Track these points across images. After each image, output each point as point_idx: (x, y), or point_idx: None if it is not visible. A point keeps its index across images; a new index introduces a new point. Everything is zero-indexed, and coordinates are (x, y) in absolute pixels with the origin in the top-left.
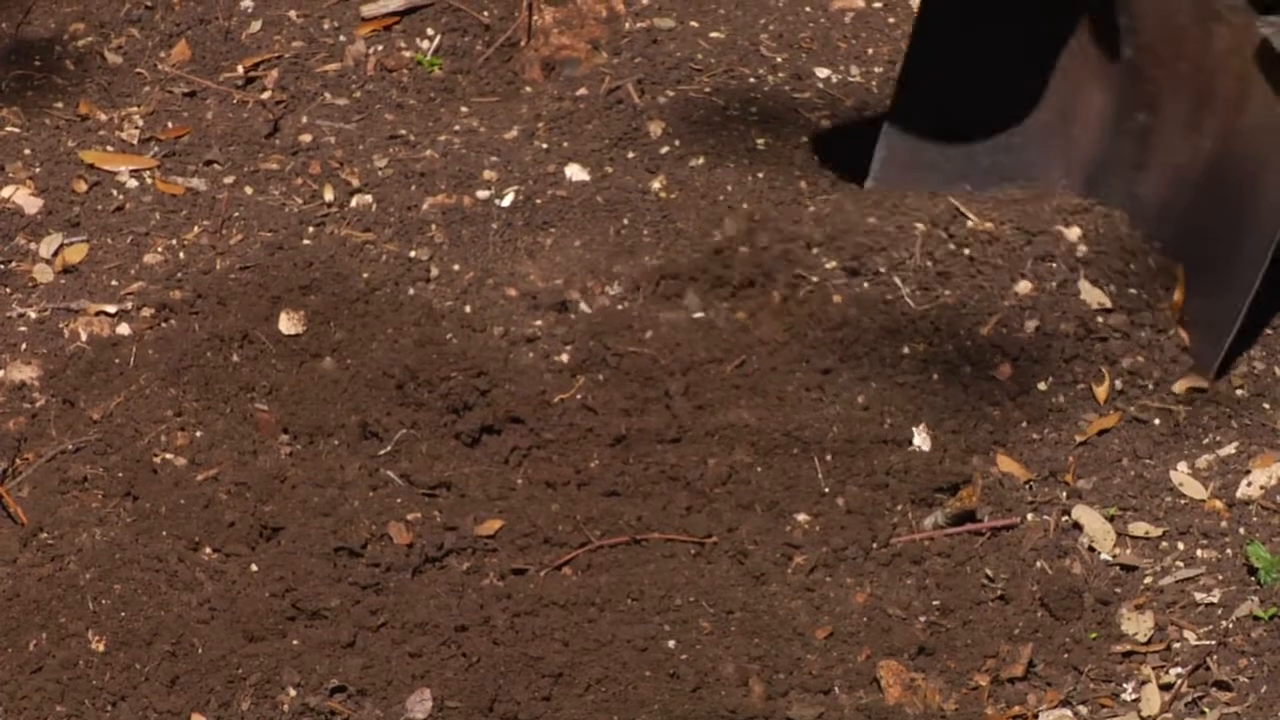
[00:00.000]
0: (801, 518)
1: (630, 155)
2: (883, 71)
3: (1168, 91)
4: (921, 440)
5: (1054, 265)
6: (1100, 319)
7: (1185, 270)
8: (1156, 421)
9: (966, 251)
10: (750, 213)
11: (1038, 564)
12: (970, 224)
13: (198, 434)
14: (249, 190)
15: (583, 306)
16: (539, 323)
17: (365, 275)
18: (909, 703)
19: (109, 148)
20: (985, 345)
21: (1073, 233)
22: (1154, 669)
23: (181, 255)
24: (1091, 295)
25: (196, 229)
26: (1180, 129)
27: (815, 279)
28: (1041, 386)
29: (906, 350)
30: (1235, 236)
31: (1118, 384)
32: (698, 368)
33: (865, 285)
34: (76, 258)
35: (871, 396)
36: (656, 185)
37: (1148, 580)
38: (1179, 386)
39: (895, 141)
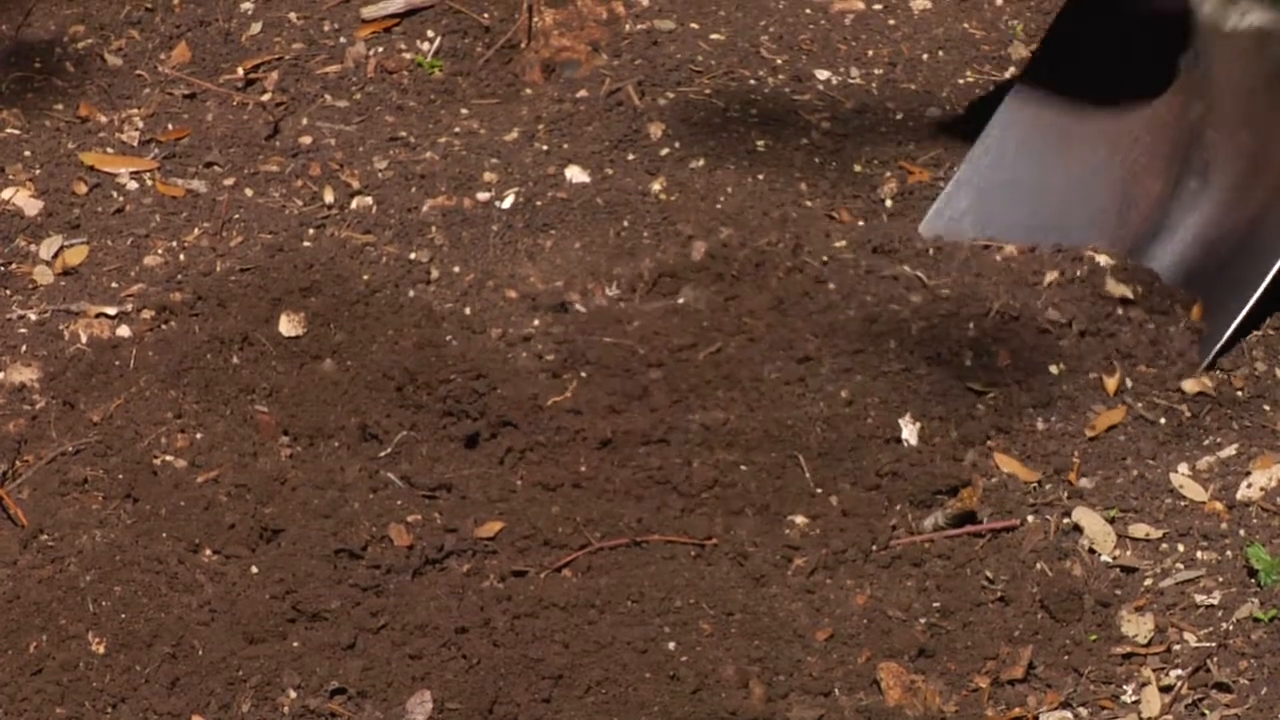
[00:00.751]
0: (800, 520)
1: (630, 157)
2: (882, 73)
3: (1223, 159)
4: (909, 434)
5: (1081, 267)
6: (1120, 310)
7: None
8: (1162, 420)
9: (998, 258)
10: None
11: (1038, 566)
12: (1006, 249)
13: (198, 436)
14: (249, 192)
15: (580, 308)
16: (538, 324)
17: (365, 277)
18: (909, 704)
19: (109, 150)
20: (995, 327)
21: (1103, 258)
22: (1154, 671)
23: (181, 257)
24: (1116, 289)
25: (196, 231)
26: (1228, 198)
27: (821, 262)
28: (1054, 370)
29: (921, 326)
30: (1247, 263)
31: (1129, 382)
32: (676, 354)
33: (880, 271)
34: (76, 260)
35: (858, 386)
36: (656, 187)
37: (1148, 582)
38: (1189, 386)
39: (959, 191)
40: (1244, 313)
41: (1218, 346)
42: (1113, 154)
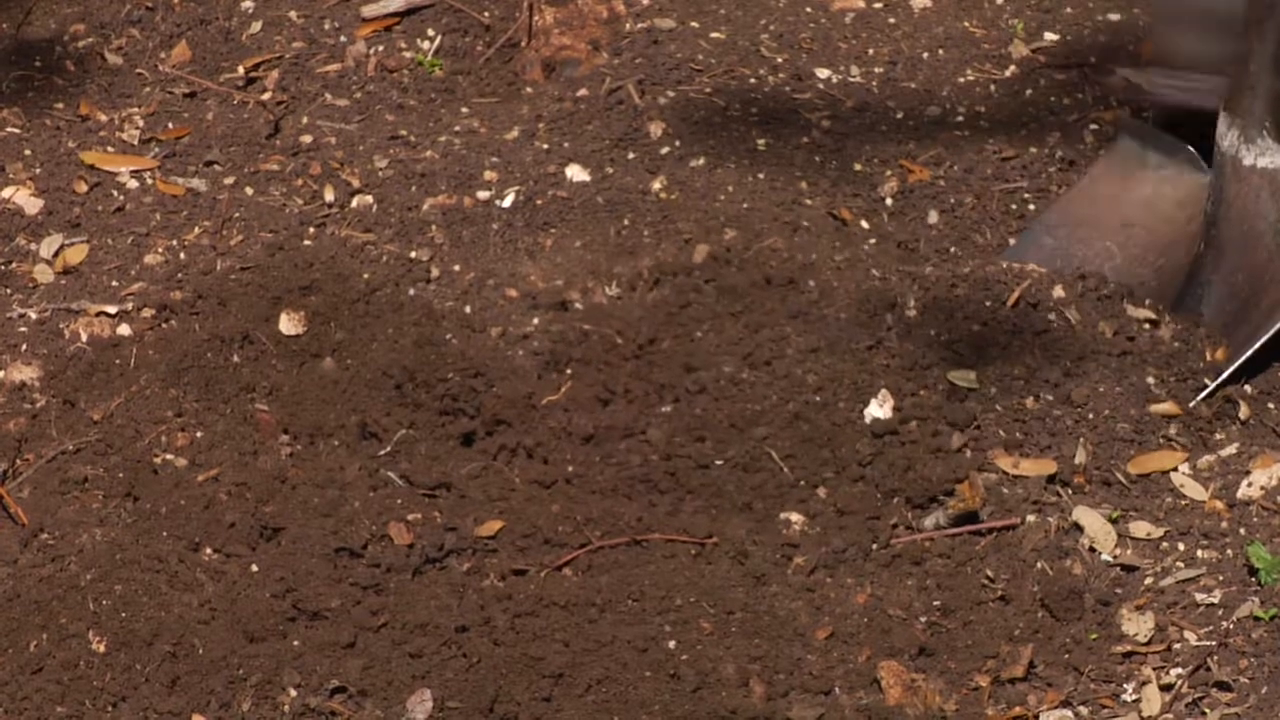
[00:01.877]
0: (796, 518)
1: (631, 156)
2: (883, 72)
3: (1217, 298)
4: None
5: (1106, 286)
6: (1146, 326)
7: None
8: (1161, 416)
9: (1015, 265)
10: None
11: (1038, 565)
12: (1028, 266)
13: (198, 434)
14: (249, 191)
15: (578, 307)
16: (537, 323)
17: (366, 276)
18: (909, 703)
19: (109, 148)
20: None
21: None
22: (1154, 669)
23: (182, 256)
24: (1138, 312)
25: (197, 230)
26: (1219, 331)
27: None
28: (1060, 369)
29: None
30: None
31: (1139, 385)
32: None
33: (885, 268)
34: (77, 258)
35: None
36: (657, 186)
37: (1148, 581)
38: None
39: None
40: (1231, 369)
41: (1206, 391)
42: (1143, 252)
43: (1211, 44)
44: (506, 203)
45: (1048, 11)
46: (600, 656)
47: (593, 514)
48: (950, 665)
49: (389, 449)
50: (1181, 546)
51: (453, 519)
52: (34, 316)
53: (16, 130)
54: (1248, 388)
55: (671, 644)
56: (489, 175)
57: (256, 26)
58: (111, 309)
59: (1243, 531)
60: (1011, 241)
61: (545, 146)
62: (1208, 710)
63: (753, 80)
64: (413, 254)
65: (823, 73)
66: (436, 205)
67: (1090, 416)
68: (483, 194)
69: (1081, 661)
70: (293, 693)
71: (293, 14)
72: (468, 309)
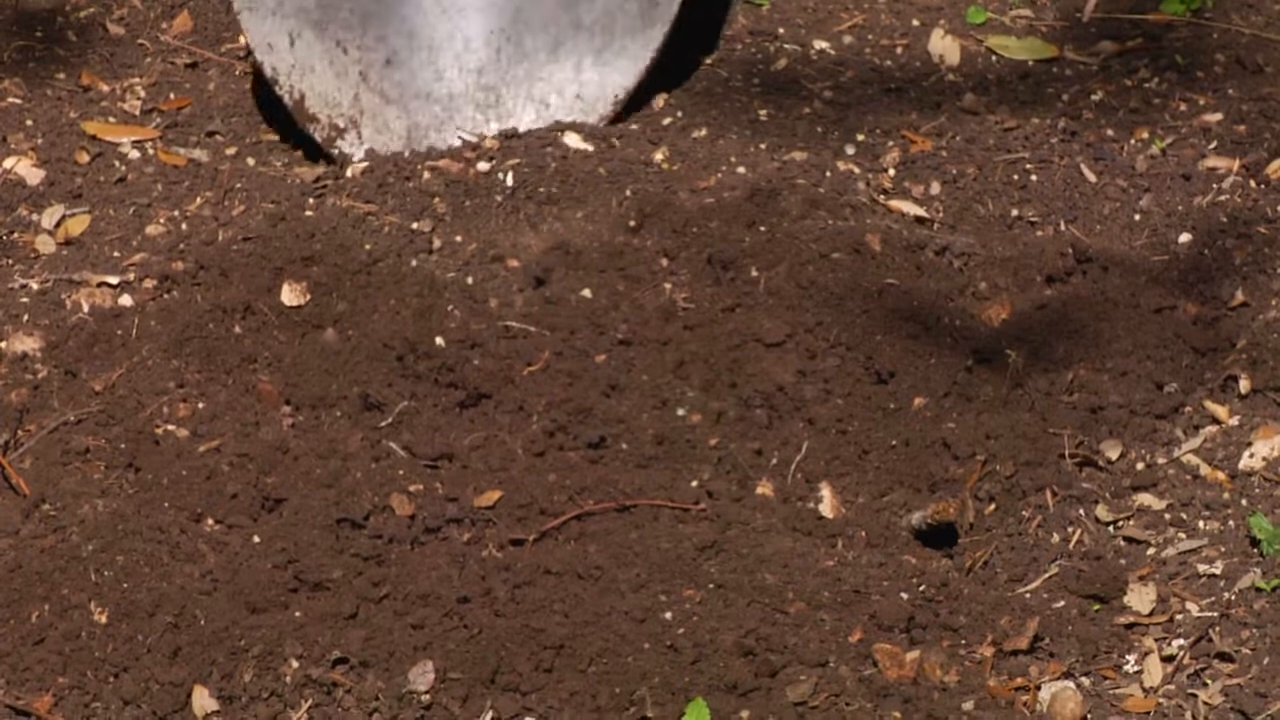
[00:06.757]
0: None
1: (633, 127)
2: (886, 43)
3: None
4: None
5: None
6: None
7: None
8: (1165, 391)
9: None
10: None
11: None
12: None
13: (200, 405)
14: (251, 161)
15: (579, 277)
16: (539, 293)
17: (368, 246)
18: (910, 675)
19: (111, 119)
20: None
21: None
22: (1156, 640)
23: (184, 226)
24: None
25: (199, 200)
26: None
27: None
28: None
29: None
30: None
31: (1139, 359)
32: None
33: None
34: (78, 229)
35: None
36: (659, 156)
37: (1150, 552)
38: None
39: None
40: None
41: None
42: None
43: None
44: (509, 173)
45: None
46: (599, 628)
47: (587, 482)
48: (953, 637)
49: (391, 420)
50: (1184, 518)
51: (454, 489)
52: (35, 287)
53: (18, 100)
54: (1243, 356)
55: (668, 615)
56: (491, 145)
57: None
58: (113, 279)
59: (1244, 503)
60: (1014, 213)
61: None
62: (1209, 681)
63: (755, 51)
64: (415, 225)
65: (825, 44)
66: (439, 176)
67: (1091, 396)
68: (485, 165)
69: (1084, 633)
70: (294, 663)
71: None
72: (470, 280)
